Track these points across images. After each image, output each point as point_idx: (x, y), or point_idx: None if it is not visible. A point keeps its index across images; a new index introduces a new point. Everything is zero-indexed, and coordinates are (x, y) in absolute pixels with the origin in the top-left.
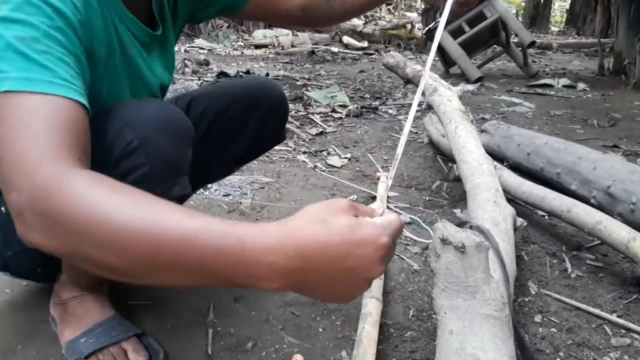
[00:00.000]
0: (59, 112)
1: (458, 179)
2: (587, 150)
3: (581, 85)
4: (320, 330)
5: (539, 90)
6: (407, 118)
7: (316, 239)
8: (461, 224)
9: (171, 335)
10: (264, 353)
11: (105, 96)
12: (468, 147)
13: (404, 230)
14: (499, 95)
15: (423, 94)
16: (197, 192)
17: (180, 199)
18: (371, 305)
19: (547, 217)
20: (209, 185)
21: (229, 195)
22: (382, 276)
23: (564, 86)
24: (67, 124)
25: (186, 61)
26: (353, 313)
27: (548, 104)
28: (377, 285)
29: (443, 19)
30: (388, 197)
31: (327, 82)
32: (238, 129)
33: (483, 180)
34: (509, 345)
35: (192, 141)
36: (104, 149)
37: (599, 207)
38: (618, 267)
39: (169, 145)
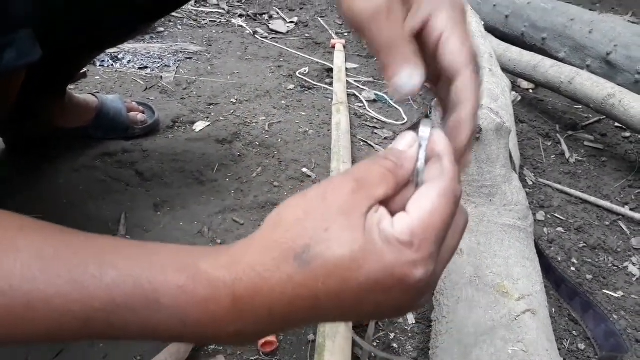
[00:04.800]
0: None
1: None
2: (580, 10)
3: None
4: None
5: None
6: None
7: (292, 302)
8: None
9: None
10: None
11: None
12: None
13: (368, 109)
14: None
15: None
16: (106, 64)
17: (53, 71)
18: None
19: (532, 91)
20: (120, 55)
21: (146, 67)
22: None
23: None
24: None
25: None
26: None
27: None
28: None
29: None
30: (347, 69)
31: None
32: None
33: (474, 42)
34: (538, 268)
35: None
36: None
37: None
38: (620, 148)
39: None
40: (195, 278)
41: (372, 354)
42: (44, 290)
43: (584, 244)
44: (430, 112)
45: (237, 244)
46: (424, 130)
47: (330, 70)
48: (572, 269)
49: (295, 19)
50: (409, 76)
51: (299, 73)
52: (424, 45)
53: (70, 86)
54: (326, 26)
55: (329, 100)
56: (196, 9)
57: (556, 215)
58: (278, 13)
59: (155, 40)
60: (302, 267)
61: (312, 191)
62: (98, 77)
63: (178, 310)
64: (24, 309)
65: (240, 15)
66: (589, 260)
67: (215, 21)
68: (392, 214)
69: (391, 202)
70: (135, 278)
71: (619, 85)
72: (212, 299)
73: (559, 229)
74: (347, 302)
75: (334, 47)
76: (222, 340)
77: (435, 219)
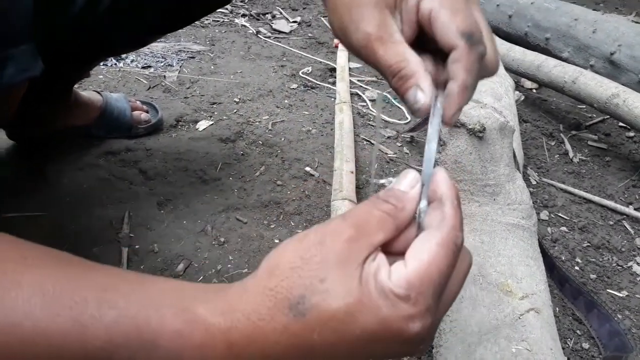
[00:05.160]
0: None
1: None
2: (583, 10)
3: None
4: (276, 242)
5: None
6: None
7: (287, 351)
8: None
9: None
10: (201, 277)
11: None
12: None
13: (371, 109)
14: None
15: None
16: (109, 64)
17: (53, 80)
18: (344, 209)
19: (535, 91)
20: (123, 55)
21: (149, 67)
22: (353, 171)
23: None
24: None
25: None
26: (318, 218)
27: None
28: (348, 181)
29: None
30: (350, 69)
31: None
32: None
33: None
34: (542, 267)
35: None
36: None
37: None
38: (624, 148)
39: None
40: (192, 324)
41: None
42: (44, 328)
43: (588, 244)
44: (436, 99)
45: (234, 288)
46: (427, 167)
47: (333, 69)
48: (576, 268)
49: (298, 19)
50: (414, 95)
51: (302, 72)
52: (423, 27)
53: (74, 85)
54: (329, 25)
55: (332, 99)
56: None
57: (560, 214)
58: (281, 13)
59: (158, 40)
60: (297, 318)
61: (309, 236)
62: (102, 76)
63: (175, 353)
64: (25, 345)
65: (244, 15)
66: (593, 259)
67: (219, 21)
68: (392, 254)
69: (392, 243)
70: (133, 319)
71: (622, 85)
72: (208, 344)
73: (563, 228)
74: (342, 352)
75: (337, 46)
76: None
77: (433, 271)
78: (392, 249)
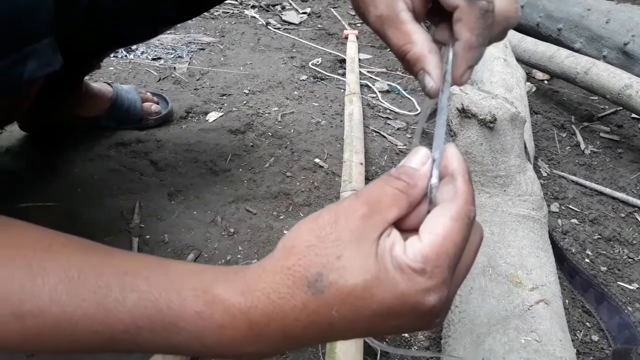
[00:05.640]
0: None
1: None
2: (597, 0)
3: None
4: (285, 233)
5: None
6: None
7: (307, 327)
8: None
9: None
10: None
11: None
12: None
13: (381, 100)
14: None
15: None
16: (120, 55)
17: (67, 74)
18: None
19: (547, 82)
20: (133, 46)
21: (159, 58)
22: (363, 162)
23: None
24: None
25: None
26: (330, 201)
27: None
28: (357, 173)
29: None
30: (360, 60)
31: None
32: None
33: None
34: (552, 259)
35: None
36: None
37: None
38: (637, 140)
39: None
40: (212, 305)
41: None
42: (71, 312)
43: (599, 236)
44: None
45: (252, 268)
46: (437, 145)
47: (343, 61)
48: (587, 260)
49: (308, 10)
50: (422, 79)
51: (312, 64)
52: None
53: (85, 77)
54: (339, 17)
55: (342, 90)
56: None
57: (571, 206)
58: (291, 4)
59: (168, 31)
60: (315, 295)
61: (323, 215)
62: (112, 68)
63: (196, 334)
64: (53, 329)
65: (253, 6)
66: (604, 252)
67: (228, 12)
68: (406, 231)
69: (405, 220)
70: (154, 302)
71: (636, 75)
72: (229, 324)
73: (574, 220)
74: (360, 326)
75: (346, 37)
76: (245, 357)
77: (448, 244)
78: (404, 226)
